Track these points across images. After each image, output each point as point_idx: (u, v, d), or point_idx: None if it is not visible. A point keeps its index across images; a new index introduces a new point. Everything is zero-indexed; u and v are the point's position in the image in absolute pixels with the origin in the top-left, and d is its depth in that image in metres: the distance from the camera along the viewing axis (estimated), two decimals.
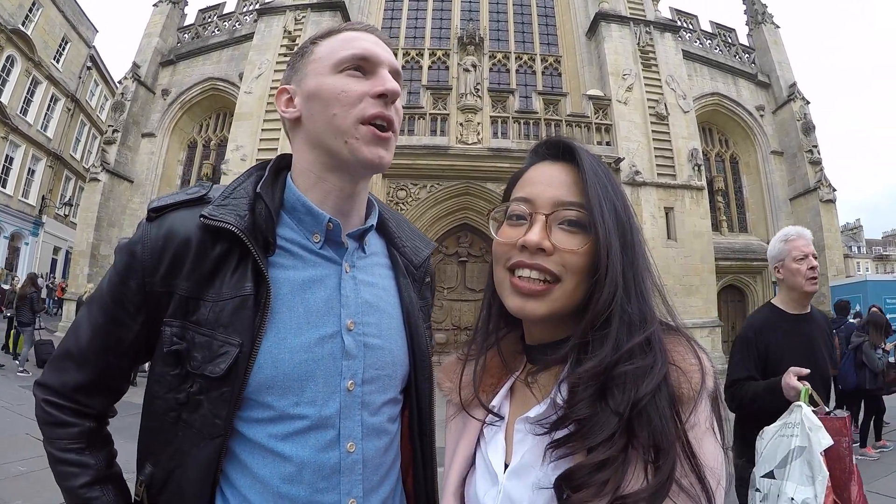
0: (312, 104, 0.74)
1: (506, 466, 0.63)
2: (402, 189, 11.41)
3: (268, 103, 12.50)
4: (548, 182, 0.63)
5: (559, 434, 0.55)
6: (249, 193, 0.74)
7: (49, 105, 19.44)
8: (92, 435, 0.73)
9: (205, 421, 0.67)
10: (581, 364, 0.57)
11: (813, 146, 14.57)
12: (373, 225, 0.83)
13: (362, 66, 0.74)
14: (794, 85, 15.30)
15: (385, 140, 0.73)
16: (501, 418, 0.66)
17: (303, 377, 0.70)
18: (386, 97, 0.72)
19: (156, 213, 0.72)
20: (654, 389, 0.53)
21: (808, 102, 15.17)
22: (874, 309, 5.75)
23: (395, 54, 0.84)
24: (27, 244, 19.34)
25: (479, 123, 11.55)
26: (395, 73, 0.77)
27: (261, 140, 12.09)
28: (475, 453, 0.68)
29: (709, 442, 0.53)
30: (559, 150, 0.66)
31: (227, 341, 0.67)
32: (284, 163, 0.82)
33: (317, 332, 0.72)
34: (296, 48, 0.80)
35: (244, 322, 0.67)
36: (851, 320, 6.57)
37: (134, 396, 0.77)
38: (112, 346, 0.72)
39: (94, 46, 21.80)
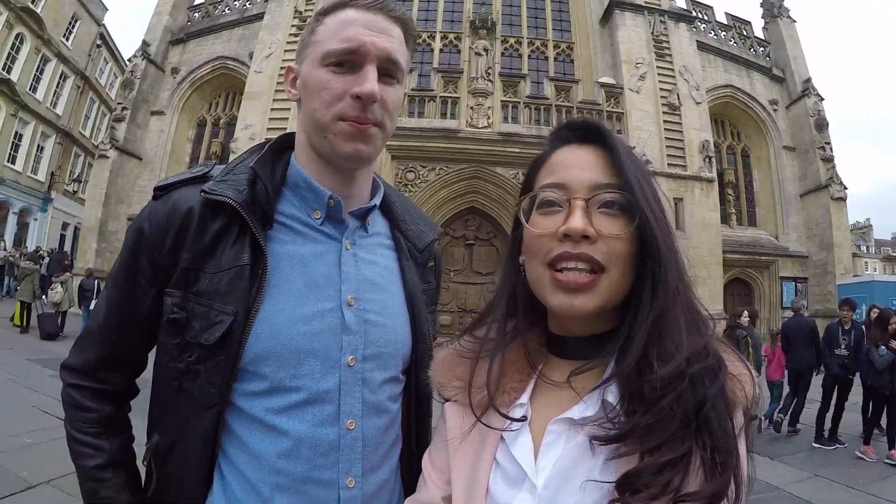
0: (304, 93, 0.75)
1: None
2: (410, 171, 11.39)
3: (277, 83, 12.48)
4: (580, 165, 0.58)
5: (614, 430, 0.51)
6: (249, 170, 0.75)
7: (58, 83, 19.47)
8: (110, 420, 0.76)
9: (203, 390, 0.69)
10: (654, 365, 0.52)
11: (826, 143, 14.44)
12: (376, 204, 0.83)
13: (349, 59, 0.71)
14: (808, 80, 15.13)
15: (363, 132, 0.72)
16: (523, 420, 0.60)
17: (301, 349, 0.70)
18: (361, 100, 0.70)
19: (161, 192, 0.75)
20: (717, 392, 0.51)
21: (822, 99, 15.01)
22: (874, 310, 5.61)
23: None
24: (36, 220, 19.46)
25: (489, 108, 11.50)
26: (388, 64, 0.73)
27: (270, 119, 12.10)
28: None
29: (742, 447, 0.53)
30: (586, 132, 0.61)
31: (222, 311, 0.68)
32: (290, 142, 0.82)
33: (316, 306, 0.72)
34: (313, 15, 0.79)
35: (240, 291, 0.69)
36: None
37: (146, 373, 0.81)
38: (128, 321, 0.75)
39: (103, 24, 21.79)
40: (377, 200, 0.84)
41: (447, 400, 0.67)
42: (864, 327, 5.69)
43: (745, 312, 6.07)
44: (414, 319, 0.82)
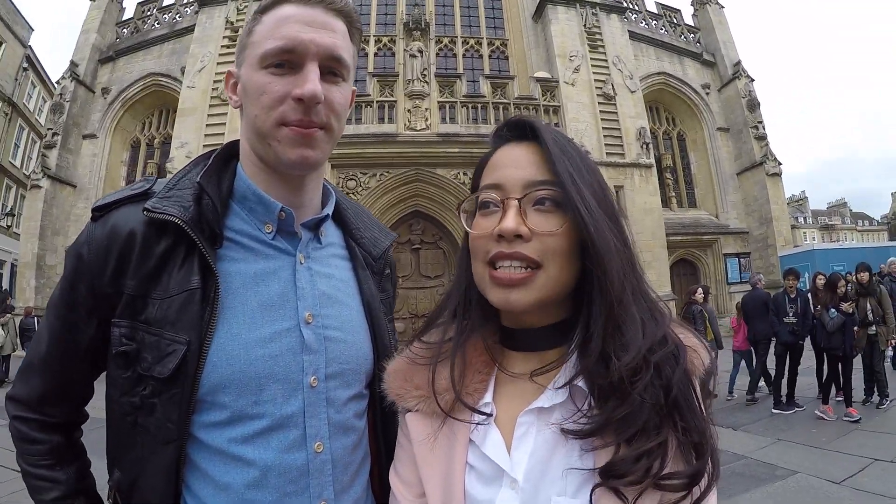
0: (245, 98, 0.70)
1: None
2: (351, 179, 11.29)
3: (211, 97, 12.16)
4: (515, 164, 0.60)
5: (589, 425, 0.52)
6: (195, 184, 0.70)
7: None
8: (61, 450, 0.73)
9: (159, 425, 0.64)
10: (613, 358, 0.53)
11: (758, 122, 15.07)
12: (328, 214, 0.79)
13: (288, 59, 0.66)
14: (738, 63, 15.77)
15: (309, 136, 0.67)
16: (490, 416, 0.60)
17: (261, 375, 0.66)
18: (303, 102, 0.65)
19: (100, 212, 0.69)
20: (681, 376, 0.53)
21: (752, 80, 15.67)
22: (819, 277, 5.90)
23: None
24: None
25: (427, 109, 11.52)
26: (331, 61, 0.68)
27: (206, 136, 11.76)
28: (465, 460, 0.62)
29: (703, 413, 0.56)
30: (522, 130, 0.62)
31: (174, 339, 0.64)
32: (235, 150, 0.77)
33: (273, 327, 0.68)
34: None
35: (191, 318, 0.64)
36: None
37: (98, 412, 0.75)
38: (70, 351, 0.70)
39: (30, 46, 20.65)
40: (329, 209, 0.80)
41: (408, 410, 0.65)
42: (808, 294, 5.95)
43: (700, 290, 6.53)
44: (374, 331, 0.79)
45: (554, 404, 0.56)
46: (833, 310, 5.17)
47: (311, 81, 0.65)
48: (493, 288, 0.58)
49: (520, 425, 0.58)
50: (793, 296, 5.85)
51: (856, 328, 5.25)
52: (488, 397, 0.62)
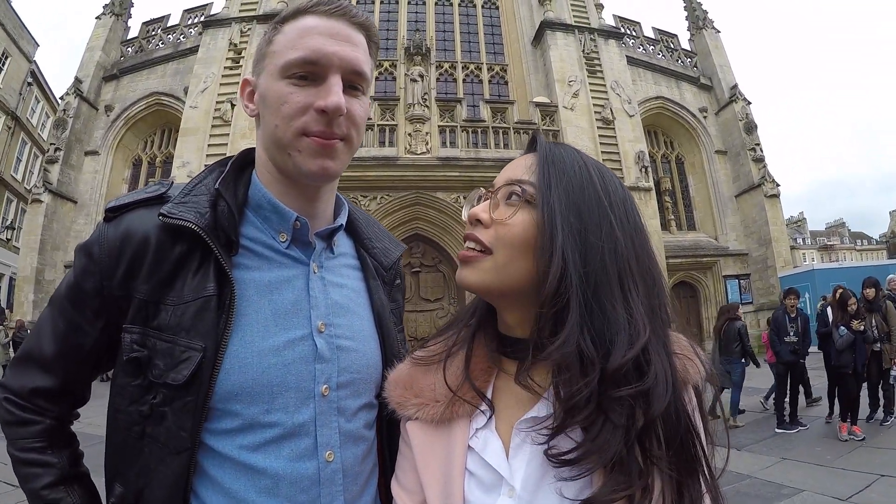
0: (263, 108, 0.70)
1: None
2: (352, 201, 11.20)
3: (214, 118, 12.26)
4: (511, 167, 0.66)
5: (562, 448, 0.52)
6: (210, 190, 0.70)
7: None
8: (54, 432, 0.70)
9: (170, 434, 0.63)
10: (542, 352, 0.55)
11: (756, 144, 15.21)
12: (342, 224, 0.80)
13: (311, 70, 0.67)
14: (735, 86, 15.98)
15: (330, 148, 0.68)
16: (493, 409, 0.62)
17: (273, 383, 0.66)
18: (327, 114, 0.66)
19: (113, 213, 0.69)
20: (663, 411, 0.51)
21: (749, 102, 15.86)
22: (840, 290, 5.70)
23: None
24: None
25: (427, 133, 11.62)
26: (352, 75, 0.69)
27: (207, 156, 11.82)
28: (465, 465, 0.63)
29: (699, 423, 0.56)
30: (530, 143, 0.69)
31: (189, 346, 0.63)
32: (250, 158, 0.77)
33: (286, 335, 0.68)
34: (269, 26, 0.74)
35: (207, 325, 0.64)
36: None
37: (95, 428, 0.73)
38: (72, 352, 0.69)
39: (35, 61, 20.88)
40: (343, 219, 0.80)
41: (408, 419, 0.66)
42: (826, 309, 5.82)
43: (738, 306, 6.64)
44: (384, 341, 0.79)
45: (549, 414, 0.57)
46: (843, 328, 5.07)
47: (335, 94, 0.66)
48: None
49: (516, 434, 0.59)
50: (793, 315, 5.81)
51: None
52: (488, 397, 0.64)
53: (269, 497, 0.65)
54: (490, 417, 0.62)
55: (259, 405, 0.65)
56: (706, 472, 0.53)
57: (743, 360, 6.11)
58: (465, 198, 0.73)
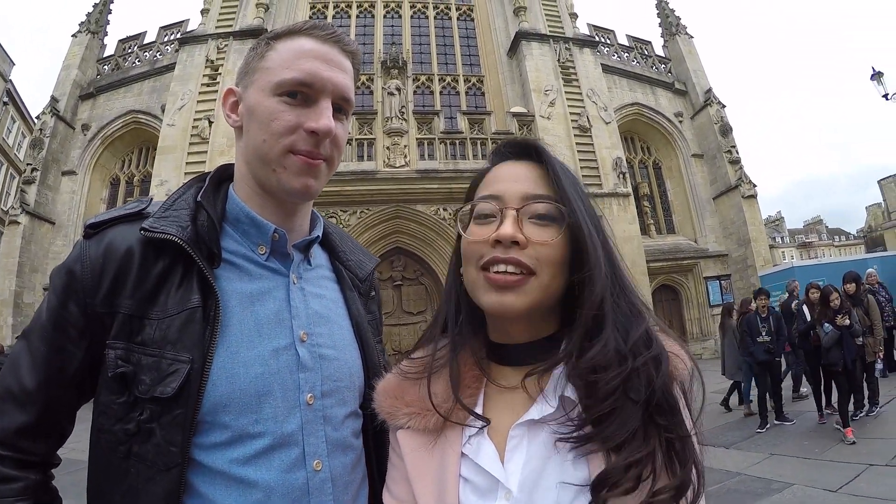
0: (249, 121, 0.72)
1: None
2: (332, 216, 11.31)
3: (191, 135, 12.19)
4: (515, 178, 0.63)
5: (578, 432, 0.54)
6: (190, 204, 0.71)
7: None
8: (38, 490, 0.67)
9: (158, 451, 0.62)
10: (584, 357, 0.56)
11: (731, 146, 15.45)
12: (318, 236, 0.82)
13: (303, 92, 0.70)
14: (709, 91, 16.26)
15: (315, 168, 0.71)
16: (488, 422, 0.62)
17: (260, 392, 0.67)
18: (317, 136, 0.69)
19: (94, 230, 0.69)
20: (665, 378, 0.54)
21: (723, 106, 16.12)
22: (813, 290, 5.69)
23: None
24: None
25: (405, 146, 11.67)
26: (341, 101, 0.73)
27: (185, 174, 11.72)
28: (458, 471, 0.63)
29: (689, 422, 0.57)
30: (523, 150, 0.66)
31: (176, 358, 0.63)
32: (227, 174, 0.79)
33: (270, 345, 0.69)
34: (260, 37, 0.77)
35: (193, 336, 0.64)
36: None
37: (78, 454, 0.71)
38: (55, 377, 0.67)
39: (10, 80, 20.60)
40: (318, 231, 0.82)
41: (399, 428, 0.66)
42: (803, 307, 5.81)
43: (752, 301, 6.56)
44: (364, 350, 0.81)
45: (544, 416, 0.58)
46: (828, 325, 5.01)
47: (326, 117, 0.69)
48: (488, 291, 0.60)
49: (512, 437, 0.59)
50: (764, 315, 5.89)
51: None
52: (479, 410, 0.64)
53: None
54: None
55: (247, 415, 0.66)
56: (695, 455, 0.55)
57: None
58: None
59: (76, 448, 0.73)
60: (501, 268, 0.59)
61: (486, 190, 0.65)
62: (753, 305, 6.17)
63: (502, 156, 0.68)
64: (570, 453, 0.55)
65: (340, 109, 0.74)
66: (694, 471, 0.53)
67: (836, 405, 5.13)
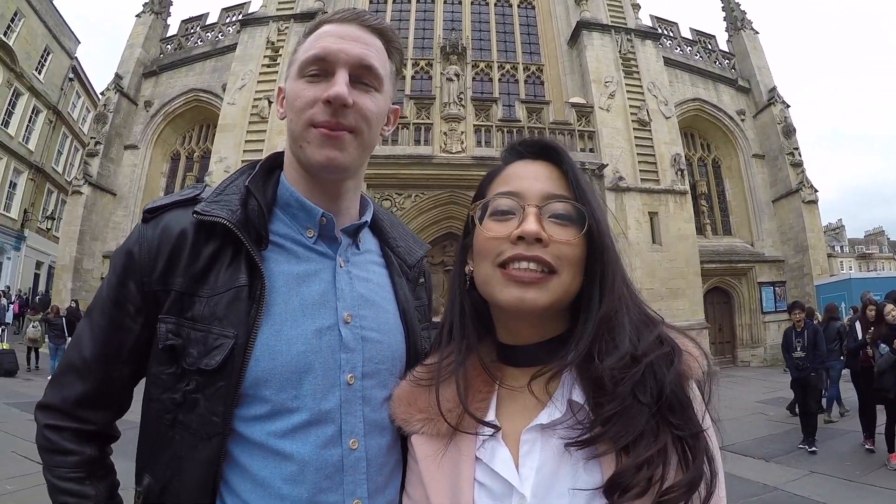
0: (287, 108, 0.76)
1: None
2: (386, 199, 11.41)
3: (251, 114, 12.47)
4: (534, 177, 0.63)
5: (586, 435, 0.54)
6: (241, 190, 0.74)
7: (31, 117, 19.16)
8: (93, 464, 0.72)
9: (202, 420, 0.66)
10: (597, 360, 0.56)
11: (794, 148, 14.81)
12: (367, 221, 0.83)
13: (322, 67, 0.72)
14: (773, 89, 15.57)
15: (336, 139, 0.70)
16: (498, 429, 0.62)
17: (301, 369, 0.69)
18: (331, 104, 0.69)
19: (151, 214, 0.74)
20: (675, 377, 0.55)
21: (788, 106, 15.44)
22: (870, 307, 5.29)
23: None
24: (9, 259, 19.00)
25: (462, 132, 11.61)
26: (361, 69, 0.72)
27: (244, 152, 12.04)
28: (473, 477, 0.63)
29: (708, 419, 0.57)
30: (541, 150, 0.66)
31: (221, 334, 0.67)
32: (278, 162, 0.82)
33: (314, 324, 0.71)
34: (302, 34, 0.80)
35: (239, 314, 0.67)
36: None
37: (130, 414, 0.76)
38: (114, 351, 0.72)
39: (76, 58, 21.61)
40: (368, 217, 0.84)
41: (413, 433, 0.68)
42: (855, 323, 5.55)
43: (835, 307, 6.57)
44: (409, 335, 0.81)
45: (554, 420, 0.58)
46: (884, 346, 4.65)
47: (338, 84, 0.69)
48: (507, 286, 0.59)
49: (524, 442, 0.59)
50: (799, 329, 5.64)
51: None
52: (491, 415, 0.63)
53: (295, 484, 0.66)
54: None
55: (287, 391, 0.68)
56: (708, 450, 0.54)
57: (842, 358, 6.04)
58: None
59: (131, 410, 0.77)
60: (524, 265, 0.59)
61: (503, 186, 0.64)
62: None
63: (517, 154, 0.68)
64: (582, 457, 0.55)
65: (364, 80, 0.73)
66: (707, 466, 0.52)
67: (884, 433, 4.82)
